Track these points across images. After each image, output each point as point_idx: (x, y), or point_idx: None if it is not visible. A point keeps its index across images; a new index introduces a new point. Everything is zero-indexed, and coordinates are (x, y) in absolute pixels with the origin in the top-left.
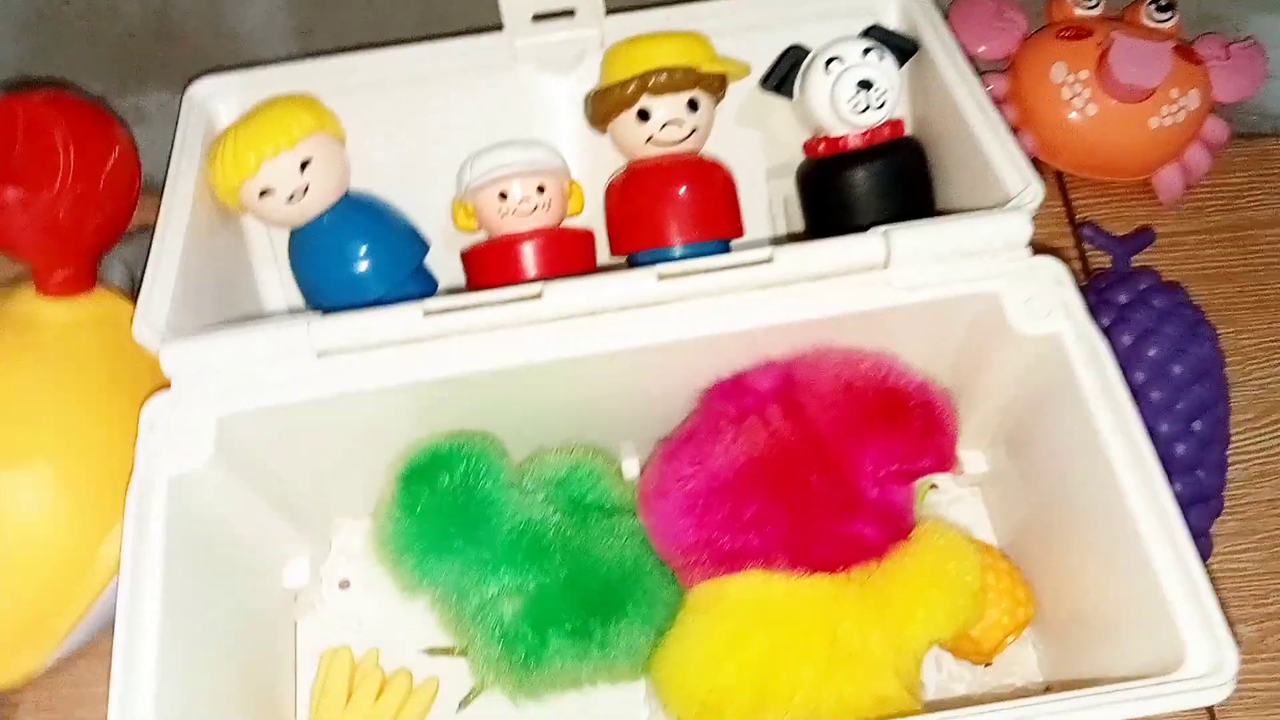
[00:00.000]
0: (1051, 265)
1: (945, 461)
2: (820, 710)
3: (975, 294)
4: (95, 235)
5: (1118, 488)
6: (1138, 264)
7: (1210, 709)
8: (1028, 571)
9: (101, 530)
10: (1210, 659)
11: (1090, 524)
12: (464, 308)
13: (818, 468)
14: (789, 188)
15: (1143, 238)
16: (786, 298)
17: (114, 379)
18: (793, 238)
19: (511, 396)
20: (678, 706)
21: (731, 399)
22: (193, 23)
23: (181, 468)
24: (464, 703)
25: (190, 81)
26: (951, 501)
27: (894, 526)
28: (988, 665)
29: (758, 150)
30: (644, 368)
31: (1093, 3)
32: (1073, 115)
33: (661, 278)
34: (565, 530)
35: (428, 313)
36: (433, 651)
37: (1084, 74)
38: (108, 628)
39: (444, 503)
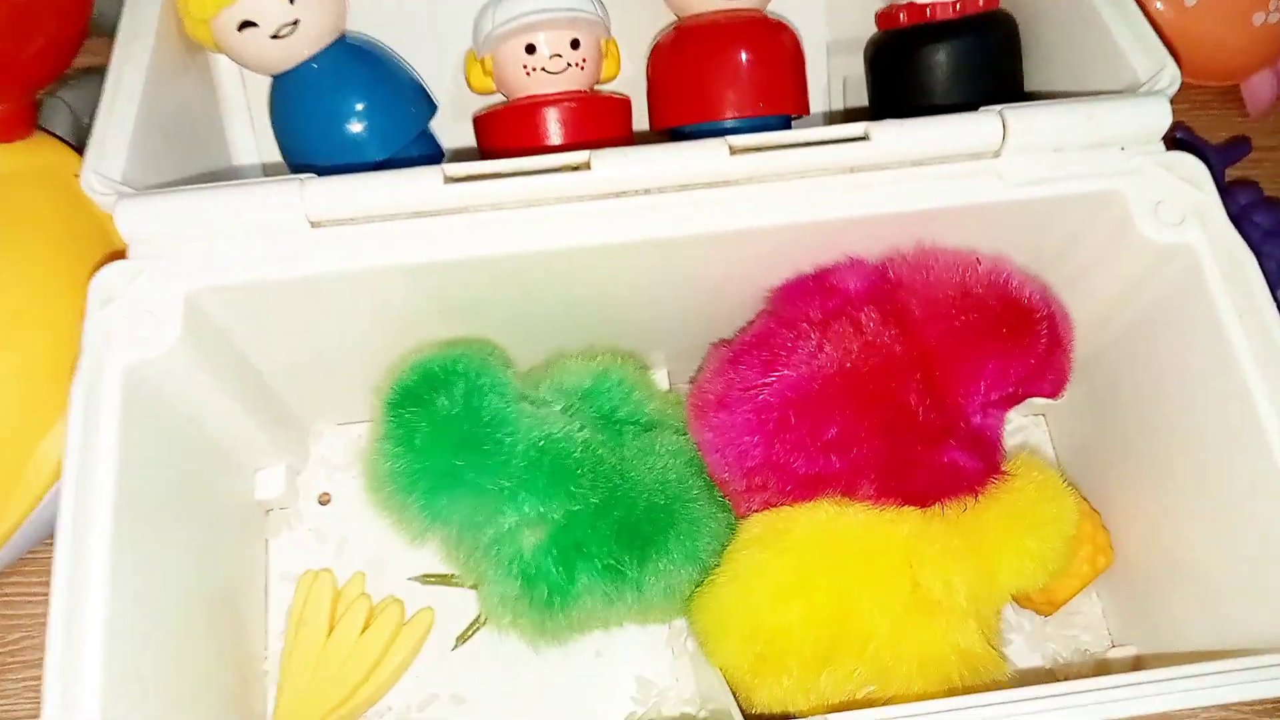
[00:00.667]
0: (1187, 163)
1: (1061, 385)
2: (897, 665)
3: (1097, 193)
4: (34, 63)
5: (1258, 426)
6: (1232, 177)
7: None
8: (1102, 513)
9: (43, 425)
10: None
11: (1210, 466)
12: (494, 175)
13: (919, 384)
14: (853, 67)
15: (1239, 148)
16: (879, 184)
17: (56, 243)
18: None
19: (541, 287)
20: (729, 656)
21: (815, 299)
22: None
23: (140, 353)
24: (462, 638)
25: None
26: (1012, 432)
27: (990, 459)
28: (1049, 615)
29: (819, 20)
30: (704, 259)
31: None
32: (1162, 5)
33: (734, 151)
34: (595, 448)
35: (450, 179)
36: (426, 579)
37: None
38: (48, 538)
39: (445, 430)
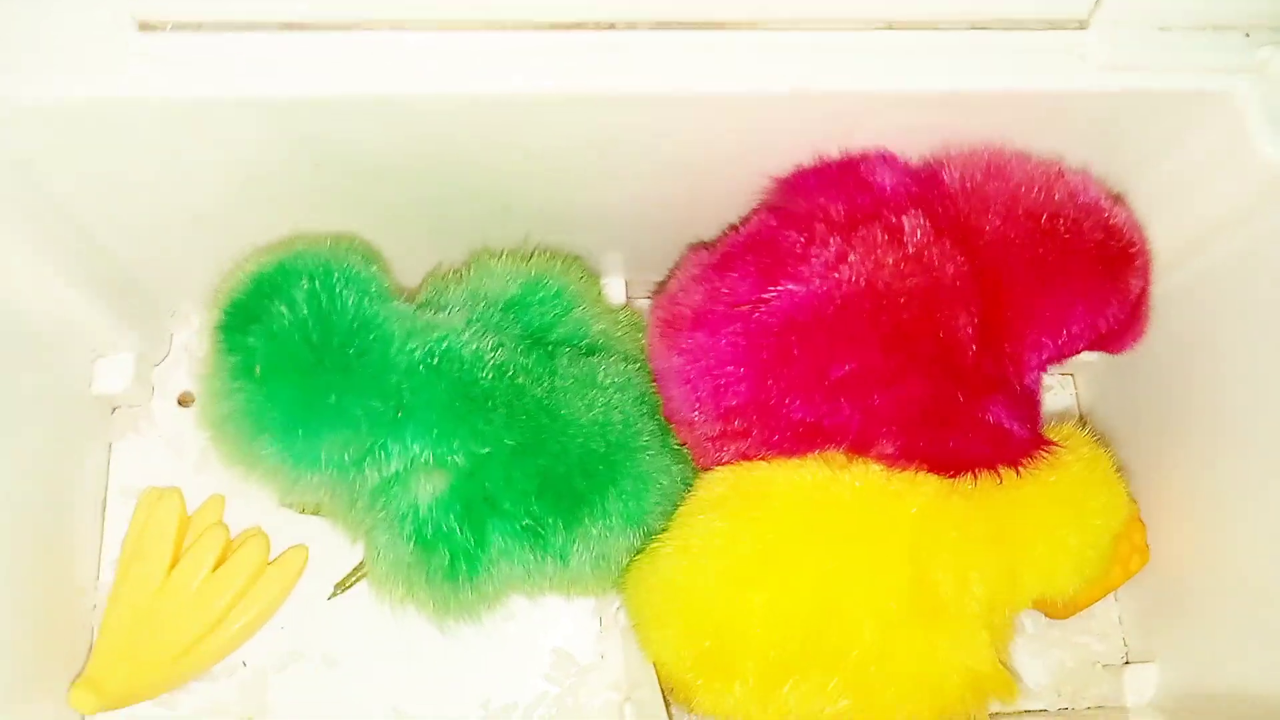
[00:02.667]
0: None
1: (1138, 338)
2: (883, 683)
3: (1206, 91)
4: None
5: None
6: None
7: None
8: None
9: None
10: None
11: None
12: None
13: (974, 319)
14: None
15: None
16: (924, 50)
17: None
18: None
19: (456, 151)
20: (668, 647)
21: (839, 194)
22: None
23: None
24: (342, 585)
25: None
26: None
27: (1035, 426)
28: (1060, 619)
29: None
30: (684, 129)
31: None
32: None
33: None
34: (513, 374)
35: None
36: (298, 508)
37: None
38: None
39: (290, 344)
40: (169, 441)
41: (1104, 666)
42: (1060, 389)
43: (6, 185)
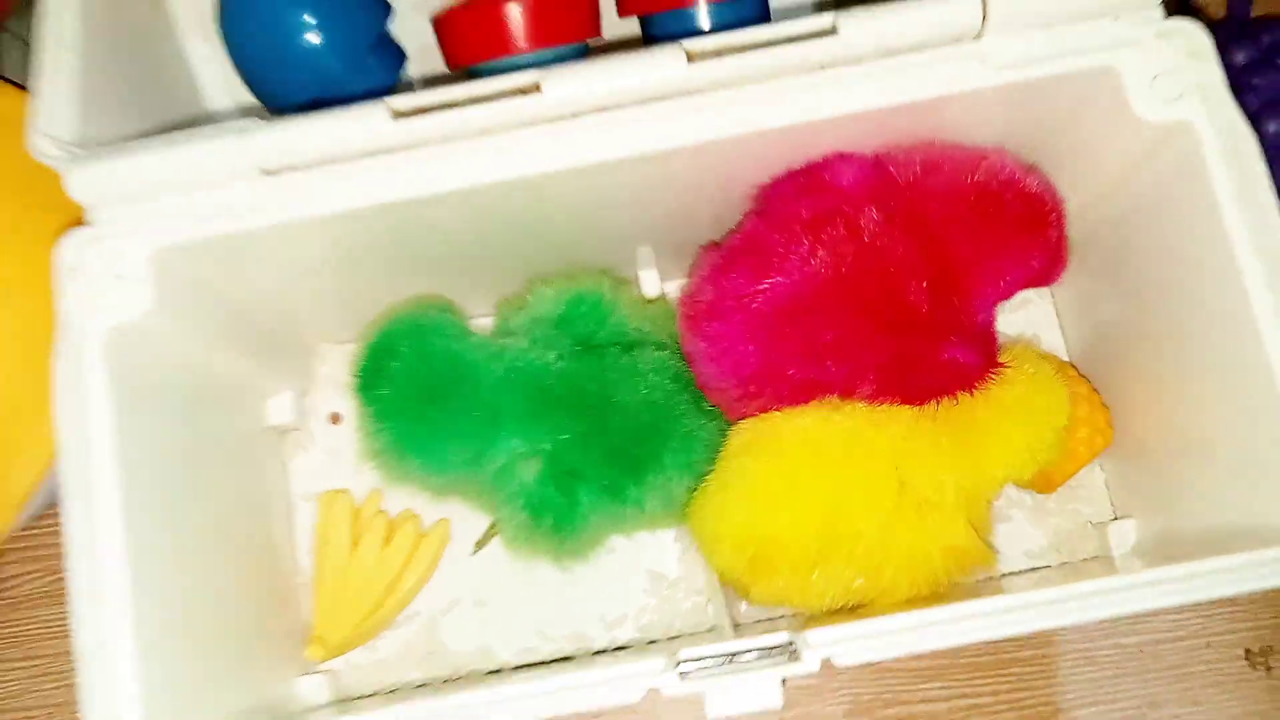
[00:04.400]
0: (1188, 31)
1: (1062, 272)
2: (885, 563)
3: (1089, 69)
4: None
5: (1248, 306)
6: (1259, 12)
7: None
8: (1105, 389)
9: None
10: None
11: (1203, 346)
12: (441, 106)
13: (927, 283)
14: None
15: None
16: (853, 80)
17: (32, 202)
18: None
19: (504, 218)
20: (723, 560)
21: (805, 198)
22: None
23: (116, 319)
24: (479, 544)
25: None
26: (1017, 306)
27: (990, 353)
28: (1048, 494)
29: None
30: (673, 173)
31: None
32: None
33: (692, 58)
34: (572, 375)
35: (397, 114)
36: None
37: None
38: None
39: (407, 384)
40: (329, 452)
41: (1093, 525)
42: (1040, 301)
43: (187, 298)
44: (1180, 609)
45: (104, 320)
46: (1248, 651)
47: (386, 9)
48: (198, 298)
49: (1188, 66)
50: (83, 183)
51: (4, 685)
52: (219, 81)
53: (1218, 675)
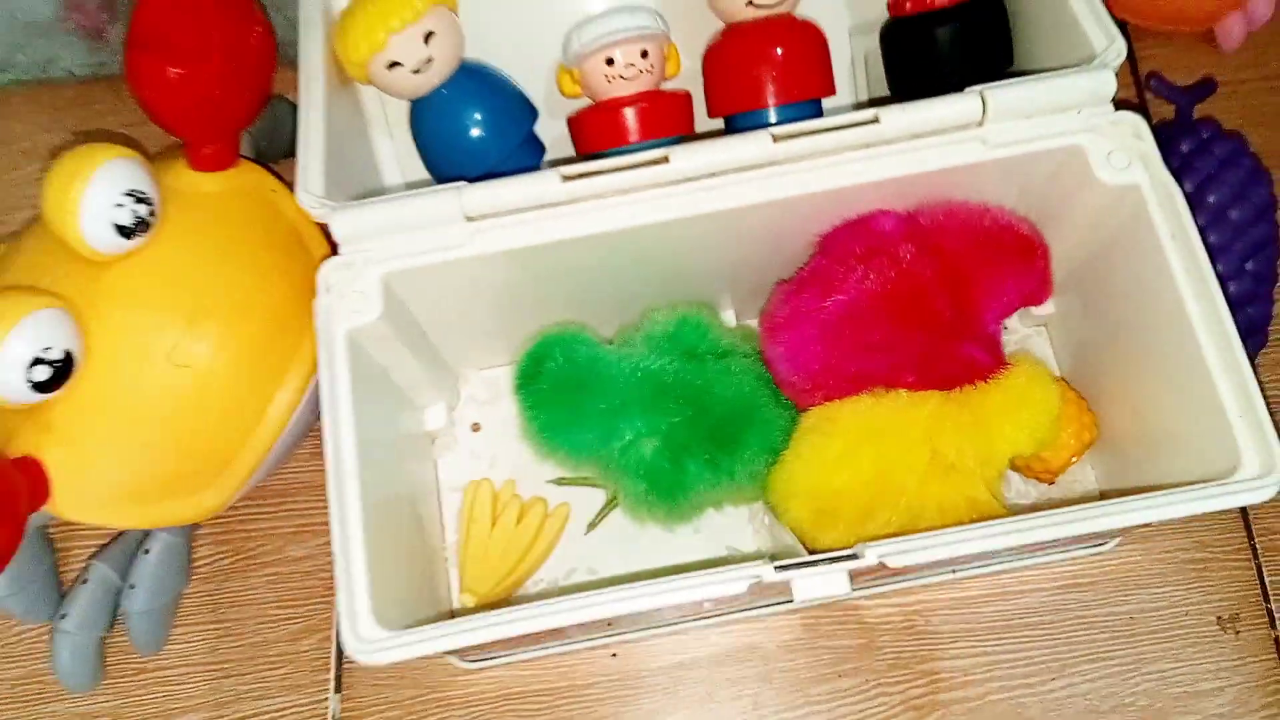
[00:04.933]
0: (1131, 120)
1: (1048, 295)
2: (922, 512)
3: (1062, 148)
4: (240, 111)
5: (1186, 318)
6: (1200, 113)
7: (1244, 510)
8: (1090, 400)
9: (272, 382)
10: (1262, 463)
11: (1156, 351)
12: (598, 172)
13: (949, 298)
14: (870, 44)
15: (1205, 87)
16: (890, 155)
17: (265, 243)
18: (873, 96)
19: (635, 257)
20: (796, 513)
21: (857, 239)
22: None
23: (355, 322)
24: (592, 525)
25: None
26: (1020, 340)
27: (997, 355)
28: (1052, 484)
29: (841, 8)
30: (759, 224)
31: None
32: None
33: (776, 139)
34: (683, 374)
35: (566, 177)
36: (560, 482)
37: None
38: (272, 472)
39: (560, 381)
40: (470, 453)
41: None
42: (1038, 337)
43: (396, 315)
44: (1162, 583)
45: (348, 322)
46: (1219, 618)
47: (534, 113)
48: (403, 314)
49: (1133, 144)
50: (341, 224)
51: (192, 644)
52: (392, 164)
53: (1195, 638)
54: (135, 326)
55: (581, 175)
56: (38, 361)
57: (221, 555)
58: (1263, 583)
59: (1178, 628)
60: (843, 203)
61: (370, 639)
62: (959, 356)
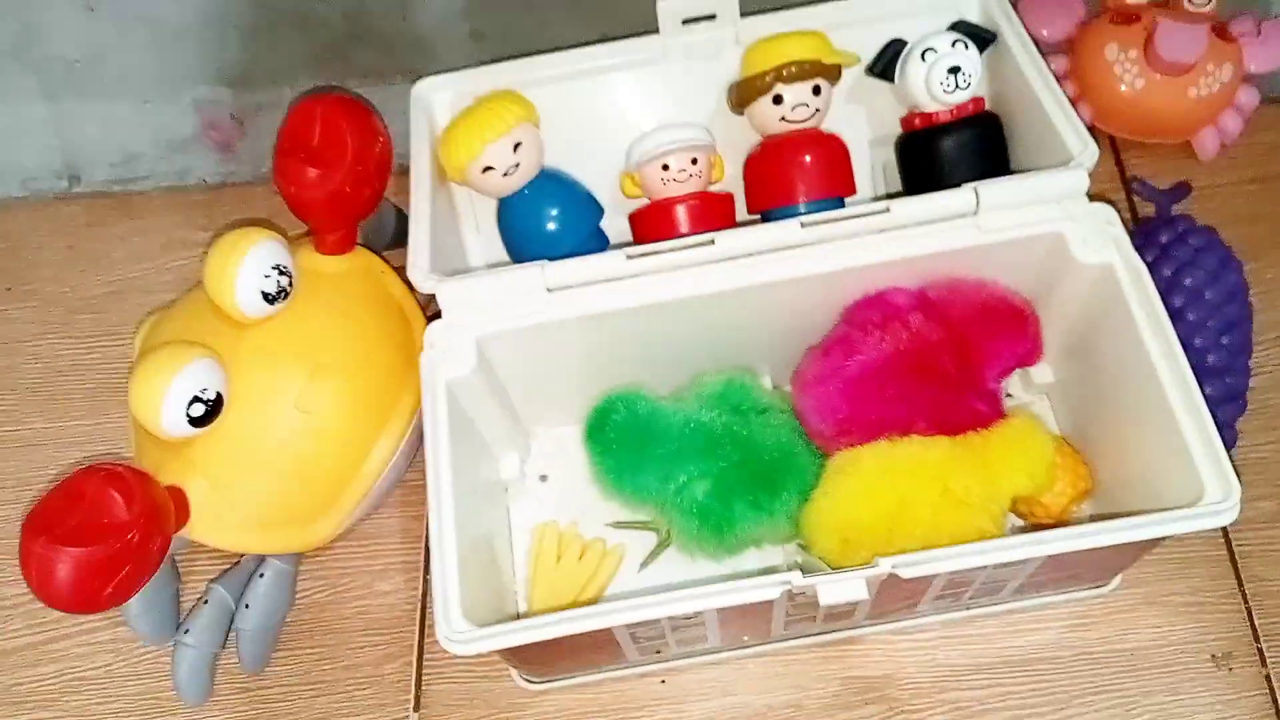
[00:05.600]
0: (1103, 210)
1: (1038, 358)
2: (936, 542)
3: (1045, 234)
4: (363, 205)
5: (1153, 371)
6: (1178, 212)
7: (1232, 557)
8: (1087, 456)
9: (376, 429)
10: (1222, 491)
11: (1133, 404)
12: (657, 252)
13: (955, 358)
14: (887, 155)
15: (1181, 190)
16: (900, 239)
17: (374, 314)
18: (891, 195)
19: (689, 322)
20: (825, 543)
21: (875, 310)
22: (382, 28)
23: (453, 374)
24: (644, 564)
25: (415, 80)
26: (1025, 405)
27: (996, 408)
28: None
29: (863, 124)
30: (790, 296)
31: None
32: (1123, 88)
33: (804, 225)
34: (731, 425)
35: (630, 256)
36: (616, 525)
37: (1133, 53)
38: (368, 513)
39: (623, 432)
40: (538, 500)
41: None
42: (1040, 402)
43: (485, 372)
44: (1160, 624)
45: (447, 373)
46: (1214, 656)
47: (600, 211)
48: (489, 372)
49: (1105, 230)
50: (446, 292)
51: (289, 666)
52: (478, 252)
53: (1192, 674)
54: (269, 378)
55: (643, 254)
56: (195, 400)
57: (318, 589)
58: (1253, 624)
59: (1176, 665)
60: (861, 279)
61: (460, 630)
62: (964, 407)
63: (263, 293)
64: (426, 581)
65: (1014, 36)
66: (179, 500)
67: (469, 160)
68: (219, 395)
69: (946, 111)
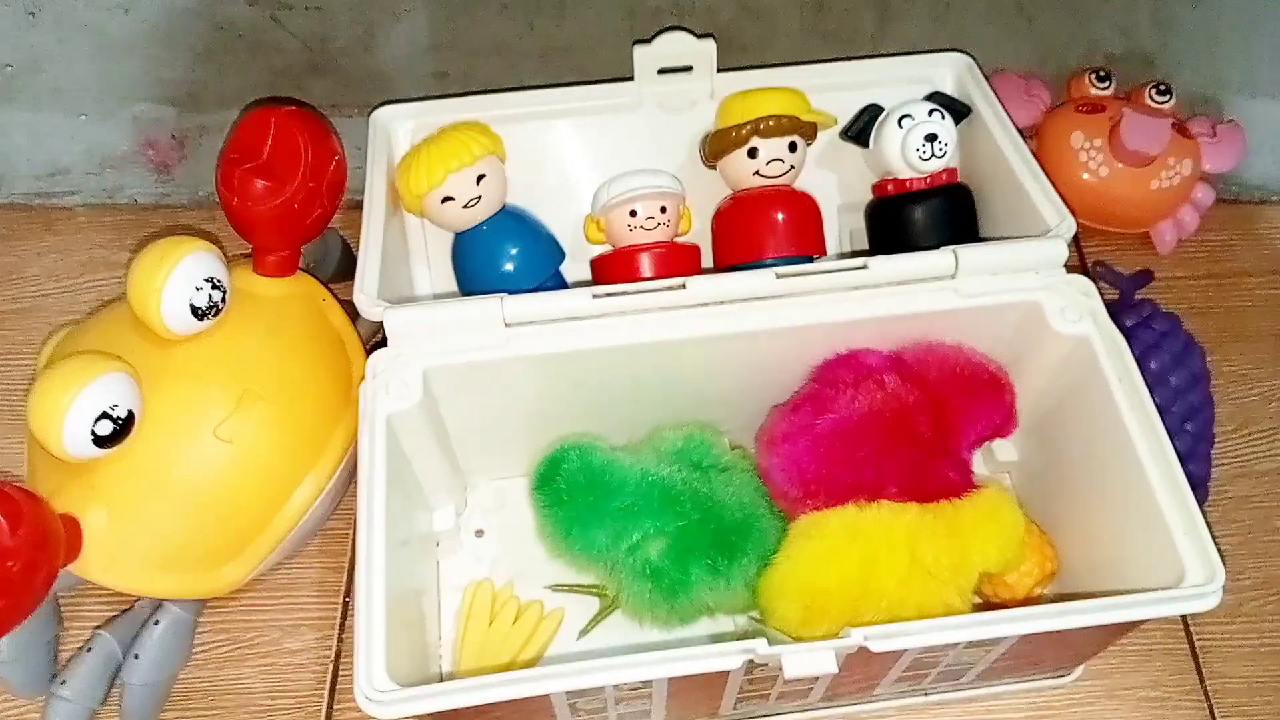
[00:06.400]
0: (1081, 281)
1: (1012, 429)
2: (902, 613)
3: (1022, 301)
4: (310, 227)
5: (1132, 447)
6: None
7: (1194, 651)
8: (1051, 537)
9: (303, 467)
10: (1205, 573)
11: (1107, 482)
12: (624, 293)
13: (930, 421)
14: (855, 221)
15: (1144, 276)
16: (876, 298)
17: (312, 343)
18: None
19: (653, 369)
20: (785, 611)
21: (847, 368)
22: (343, 61)
23: (395, 407)
24: (585, 630)
25: (373, 109)
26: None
27: (968, 478)
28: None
29: (832, 189)
30: (760, 349)
31: (1106, 84)
32: (1087, 176)
33: (779, 276)
34: (691, 482)
35: (595, 295)
36: (557, 588)
37: (1098, 141)
38: (286, 558)
39: (575, 483)
40: (473, 557)
41: None
42: (1003, 479)
43: (429, 409)
44: (1120, 718)
45: (389, 407)
46: None
47: (561, 254)
48: (433, 410)
49: (1083, 301)
50: (394, 319)
51: None
52: (426, 289)
53: None
54: (190, 400)
55: (609, 294)
56: (104, 416)
57: (218, 643)
58: None
59: None
60: (834, 336)
61: (383, 690)
62: (938, 474)
63: (192, 306)
64: (342, 641)
65: (989, 110)
66: (72, 530)
67: (430, 188)
68: (130, 414)
69: (921, 179)
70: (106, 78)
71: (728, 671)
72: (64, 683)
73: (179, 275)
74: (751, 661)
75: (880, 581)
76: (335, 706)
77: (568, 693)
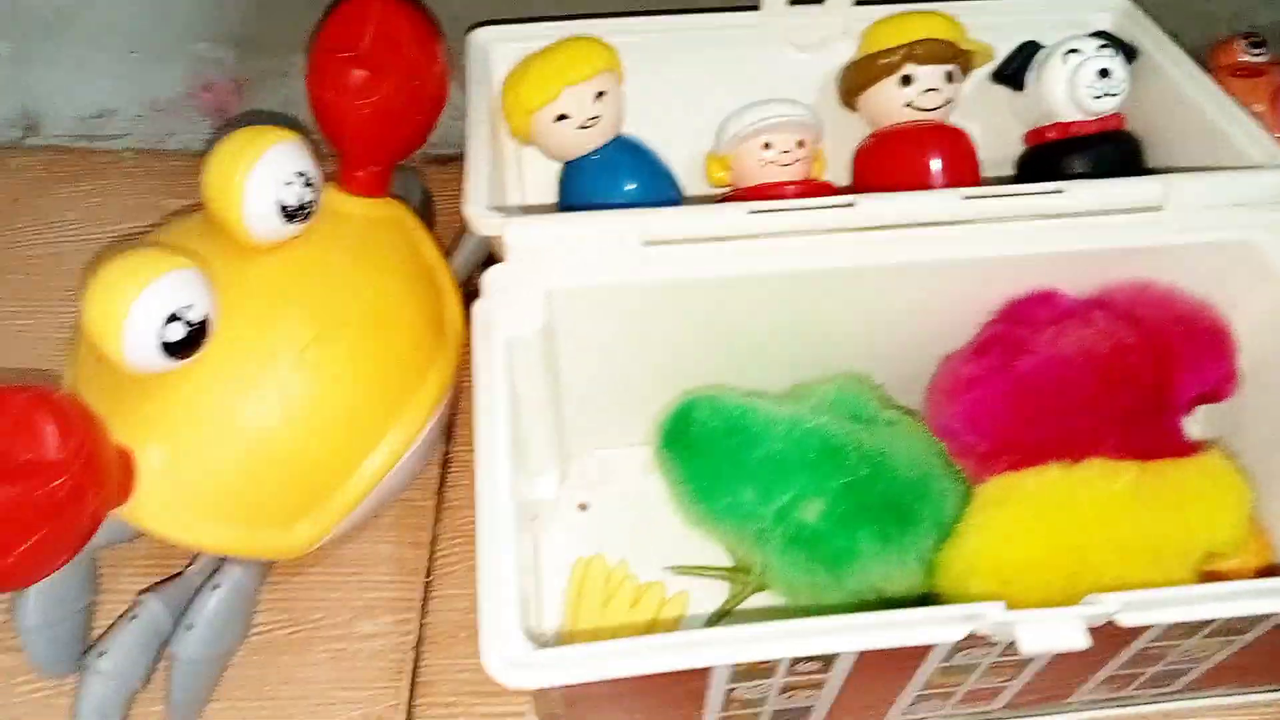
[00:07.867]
0: None
1: (1233, 391)
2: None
3: (1240, 241)
4: (406, 139)
5: None
6: None
7: None
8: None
9: (391, 414)
10: None
11: None
12: (785, 209)
13: (1154, 368)
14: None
15: None
16: (1073, 228)
17: (403, 275)
18: None
19: (810, 305)
20: (978, 592)
21: (1043, 308)
22: None
23: (514, 331)
24: (719, 614)
25: (470, 29)
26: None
27: (1187, 441)
28: None
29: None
30: (933, 287)
31: (1261, 50)
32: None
33: (966, 197)
34: (853, 432)
35: (752, 211)
36: (679, 570)
37: (1258, 108)
38: (362, 524)
39: (709, 430)
40: (577, 533)
41: None
42: None
43: (544, 343)
44: None
45: (507, 329)
46: None
47: (679, 193)
48: (553, 345)
49: None
50: (515, 233)
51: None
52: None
53: None
54: (269, 320)
55: (768, 210)
56: (174, 319)
57: (279, 624)
58: None
59: None
60: (1023, 272)
61: (521, 658)
62: (1166, 425)
63: (281, 205)
64: (424, 627)
65: (1161, 52)
66: (125, 465)
67: (543, 103)
68: (206, 319)
69: (1091, 121)
70: (163, 12)
71: (930, 649)
72: (102, 654)
73: (266, 166)
74: (974, 633)
75: (1097, 557)
76: (416, 701)
77: (734, 671)
